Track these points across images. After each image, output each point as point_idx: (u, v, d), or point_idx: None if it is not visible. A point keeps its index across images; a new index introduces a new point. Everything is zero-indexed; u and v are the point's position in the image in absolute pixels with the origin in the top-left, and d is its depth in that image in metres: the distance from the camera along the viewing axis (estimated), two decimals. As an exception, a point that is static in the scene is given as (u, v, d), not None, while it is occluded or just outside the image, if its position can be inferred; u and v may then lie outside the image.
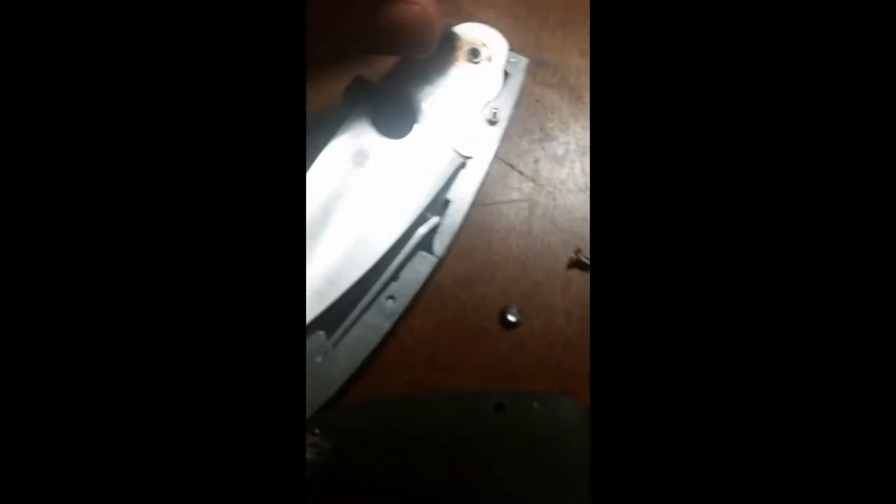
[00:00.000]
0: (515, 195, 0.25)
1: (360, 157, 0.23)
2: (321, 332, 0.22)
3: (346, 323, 0.22)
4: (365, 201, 0.23)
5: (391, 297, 0.22)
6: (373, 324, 0.22)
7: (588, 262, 0.24)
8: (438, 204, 0.24)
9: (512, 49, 0.25)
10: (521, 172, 0.26)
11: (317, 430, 0.21)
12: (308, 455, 0.21)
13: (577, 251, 0.25)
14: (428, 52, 0.22)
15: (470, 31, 0.25)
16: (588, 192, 0.25)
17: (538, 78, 0.27)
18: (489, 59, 0.25)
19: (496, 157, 0.25)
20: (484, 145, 0.24)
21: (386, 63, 0.24)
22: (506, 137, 0.25)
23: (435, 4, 0.21)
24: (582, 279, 0.24)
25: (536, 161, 0.26)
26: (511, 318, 0.24)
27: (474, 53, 0.24)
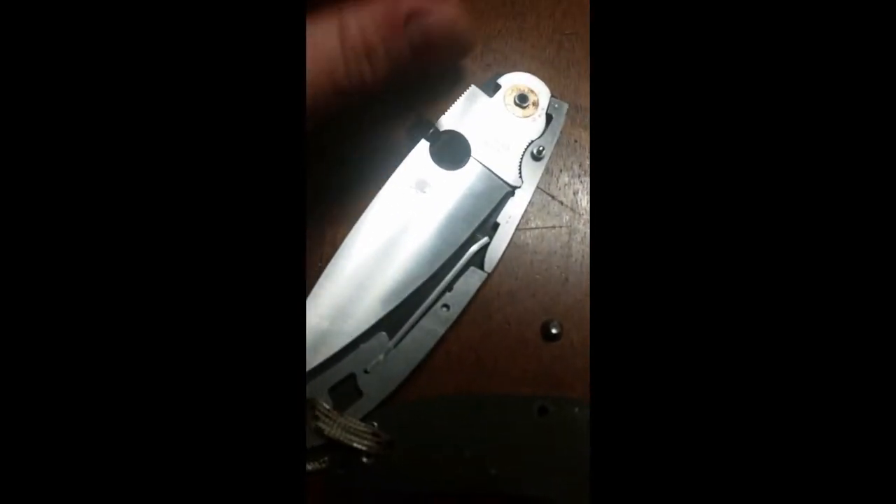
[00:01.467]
0: (556, 222, 0.28)
1: (421, 185, 0.26)
2: (383, 333, 0.25)
3: (406, 326, 0.25)
4: (426, 222, 0.26)
5: (445, 305, 0.25)
6: (429, 329, 0.25)
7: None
8: (488, 226, 0.27)
9: (554, 95, 0.29)
10: (561, 202, 0.29)
11: (375, 423, 0.24)
12: (369, 445, 0.23)
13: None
14: (470, 51, 0.24)
15: (518, 79, 0.29)
16: (622, 221, 0.28)
17: (577, 121, 0.30)
18: (535, 104, 0.28)
19: (539, 188, 0.28)
20: (529, 178, 0.27)
21: (444, 105, 0.28)
22: (548, 172, 0.29)
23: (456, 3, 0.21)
24: (616, 299, 0.27)
25: (575, 193, 0.29)
26: (554, 330, 0.26)
27: (522, 98, 0.28)
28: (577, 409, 0.24)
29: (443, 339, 0.25)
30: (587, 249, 0.28)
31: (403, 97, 0.29)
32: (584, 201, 0.29)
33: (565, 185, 0.29)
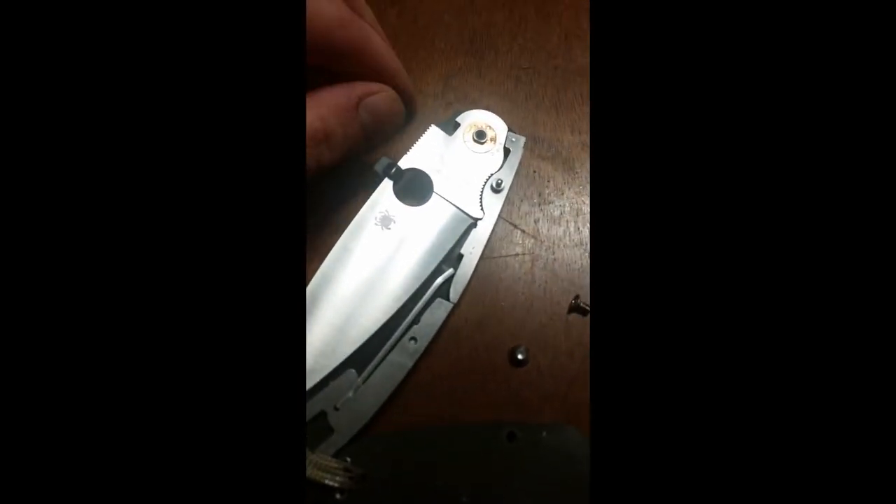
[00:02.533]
0: (519, 250, 0.29)
1: (386, 221, 0.27)
2: (352, 370, 0.25)
3: (375, 361, 0.25)
4: (392, 258, 0.27)
5: (413, 338, 0.26)
6: (398, 362, 0.26)
7: (587, 307, 0.28)
8: (453, 258, 0.28)
9: (511, 129, 0.30)
10: (523, 231, 0.30)
11: (348, 458, 0.24)
12: (341, 481, 0.23)
13: (576, 298, 0.28)
14: (412, 117, 0.27)
15: (476, 117, 0.30)
16: (582, 247, 0.29)
17: (535, 152, 0.31)
18: (493, 140, 0.30)
19: (501, 217, 0.29)
20: (490, 209, 0.29)
21: (407, 144, 0.29)
22: (508, 202, 0.30)
23: (393, 67, 0.24)
24: (581, 322, 0.28)
25: (536, 221, 0.30)
26: (520, 356, 0.27)
27: (480, 135, 0.29)
28: (544, 434, 0.25)
29: (412, 371, 0.26)
30: (550, 275, 0.29)
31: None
32: (545, 228, 0.30)
33: (526, 213, 0.30)
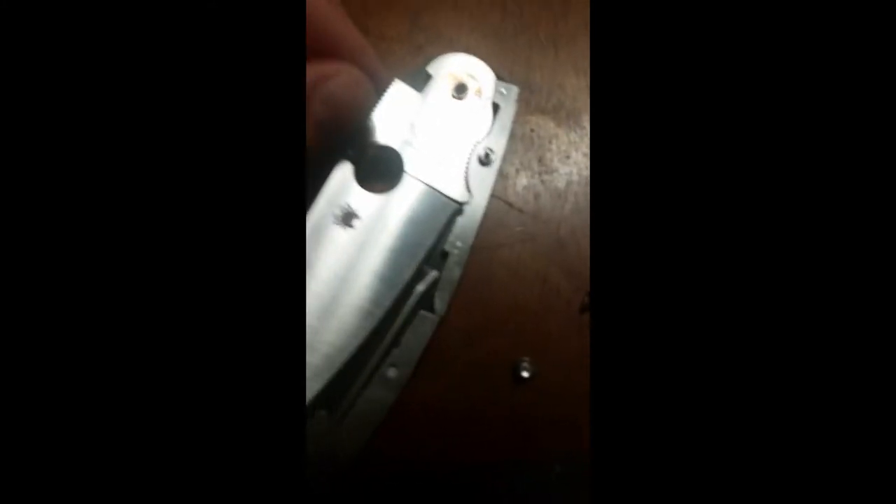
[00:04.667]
0: (517, 238, 0.23)
1: (347, 218, 0.21)
2: (323, 412, 0.20)
3: (349, 398, 0.21)
4: (355, 265, 0.21)
5: (393, 365, 0.21)
6: (376, 398, 0.21)
7: None
8: (435, 257, 0.22)
9: (500, 78, 0.23)
10: (521, 211, 0.24)
11: (327, 514, 0.20)
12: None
13: (587, 294, 0.23)
14: (371, 108, 0.21)
15: (453, 64, 0.23)
16: (596, 225, 0.24)
17: (532, 104, 0.25)
18: (477, 94, 0.23)
19: (493, 196, 0.23)
20: (478, 188, 0.22)
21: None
22: (502, 175, 0.24)
23: (360, 49, 0.19)
24: (597, 321, 0.23)
25: (537, 197, 0.24)
26: (524, 372, 0.22)
27: (460, 89, 0.23)
28: (557, 468, 0.20)
29: (399, 398, 0.21)
30: (557, 268, 0.23)
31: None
32: (549, 206, 0.24)
33: (524, 188, 0.24)
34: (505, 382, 0.22)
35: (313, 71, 0.18)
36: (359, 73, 0.19)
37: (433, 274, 0.22)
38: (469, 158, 0.22)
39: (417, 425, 0.22)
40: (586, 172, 0.24)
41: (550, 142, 0.24)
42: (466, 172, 0.22)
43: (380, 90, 0.21)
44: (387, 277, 0.21)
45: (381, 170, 0.22)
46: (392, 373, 0.21)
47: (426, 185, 0.22)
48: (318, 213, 0.21)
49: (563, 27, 0.26)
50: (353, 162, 0.21)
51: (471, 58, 0.23)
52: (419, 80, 0.23)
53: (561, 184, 0.24)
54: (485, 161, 0.22)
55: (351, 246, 0.21)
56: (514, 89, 0.23)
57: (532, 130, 0.24)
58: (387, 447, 0.21)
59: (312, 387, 0.20)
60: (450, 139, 0.22)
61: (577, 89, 0.25)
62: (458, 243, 0.22)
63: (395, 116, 0.22)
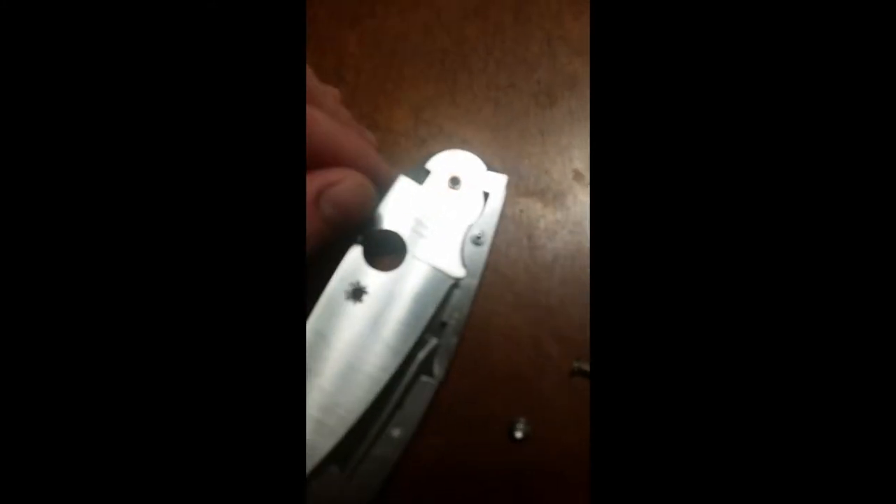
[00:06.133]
0: (510, 308, 0.26)
1: (357, 293, 0.25)
2: (334, 468, 0.23)
3: (358, 455, 0.23)
4: (365, 335, 0.24)
5: (397, 425, 0.24)
6: (382, 455, 0.23)
7: (587, 370, 0.25)
8: (435, 326, 0.25)
9: (492, 167, 0.27)
10: (511, 283, 0.26)
11: (340, 563, 0.22)
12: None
13: (578, 360, 0.25)
14: (375, 204, 0.24)
15: (448, 160, 0.27)
16: (583, 297, 0.26)
17: (521, 188, 0.28)
18: (470, 186, 0.26)
19: (486, 270, 0.26)
20: (473, 265, 0.26)
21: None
22: (494, 251, 0.27)
23: (364, 152, 0.22)
24: (586, 387, 0.25)
25: (527, 270, 0.27)
26: (518, 434, 0.24)
27: (454, 182, 0.26)
28: (550, 525, 0.22)
29: (406, 451, 0.24)
30: (548, 333, 0.26)
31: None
32: (537, 279, 0.27)
33: (514, 261, 0.27)
34: (501, 441, 0.24)
35: (321, 179, 0.21)
36: (361, 178, 0.22)
37: (433, 342, 0.25)
38: (464, 240, 0.26)
39: (420, 480, 0.24)
40: (571, 247, 0.27)
41: (538, 221, 0.27)
42: (462, 252, 0.25)
43: (384, 185, 0.25)
44: (393, 346, 0.24)
45: (388, 251, 0.26)
46: (396, 432, 0.24)
47: (427, 263, 0.25)
48: (332, 290, 0.25)
49: (549, 117, 0.29)
50: (364, 245, 0.25)
51: (464, 153, 0.27)
52: (421, 175, 0.26)
53: (549, 258, 0.27)
54: (477, 242, 0.26)
55: (361, 318, 0.24)
56: (503, 178, 0.27)
57: (521, 211, 0.27)
58: (392, 500, 0.23)
59: (326, 444, 0.23)
60: (447, 224, 0.26)
61: (562, 174, 0.28)
62: (456, 314, 0.25)
63: (400, 206, 0.26)
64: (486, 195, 0.26)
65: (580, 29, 0.30)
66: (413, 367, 0.24)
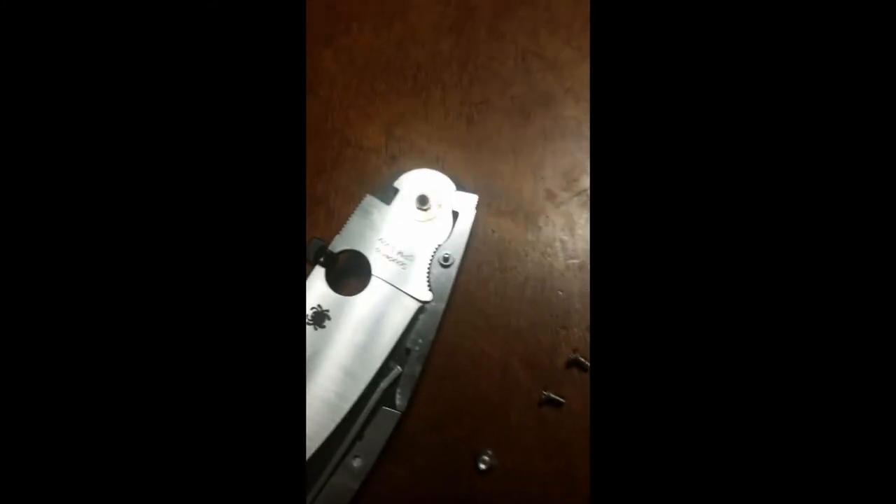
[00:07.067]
0: (479, 333, 0.25)
1: (318, 318, 0.24)
2: (292, 499, 0.22)
3: (317, 485, 0.23)
4: (326, 362, 0.23)
5: (357, 455, 0.23)
6: (342, 486, 0.23)
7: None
8: (399, 353, 0.24)
9: (462, 186, 0.26)
10: (482, 306, 0.26)
11: None
12: None
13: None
14: None
15: (416, 180, 0.26)
16: (555, 321, 0.25)
17: (493, 207, 0.27)
18: (439, 205, 0.26)
19: (454, 293, 0.25)
20: (440, 287, 0.25)
21: (341, 219, 0.25)
22: (464, 273, 0.26)
23: None
24: (556, 416, 0.24)
25: (496, 292, 0.26)
26: (482, 465, 0.23)
27: (423, 201, 0.25)
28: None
29: (369, 480, 0.23)
30: (518, 360, 0.25)
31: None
32: (507, 301, 0.26)
33: (484, 282, 0.26)
34: (467, 470, 0.23)
35: None
36: None
37: (396, 370, 0.24)
38: (431, 261, 0.25)
39: (387, 502, 0.23)
40: (543, 269, 0.26)
41: (509, 242, 0.27)
42: (429, 274, 0.25)
43: None
44: (354, 373, 0.23)
45: (351, 273, 0.25)
46: (357, 462, 0.23)
47: (392, 286, 0.24)
48: (295, 315, 0.24)
49: (521, 135, 0.28)
50: (326, 266, 0.24)
51: (434, 173, 0.26)
52: (389, 194, 0.26)
53: (520, 279, 0.26)
54: (445, 264, 0.25)
55: (322, 345, 0.24)
56: (474, 198, 0.26)
57: (493, 231, 0.27)
58: (351, 535, 0.23)
59: (284, 476, 0.22)
60: (414, 245, 0.25)
61: (534, 193, 0.27)
62: (420, 340, 0.24)
63: (366, 226, 0.25)
64: (455, 215, 0.26)
65: (555, 45, 0.30)
66: (374, 397, 0.23)
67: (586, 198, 0.27)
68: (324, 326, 0.24)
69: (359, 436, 0.23)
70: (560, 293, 0.26)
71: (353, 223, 0.25)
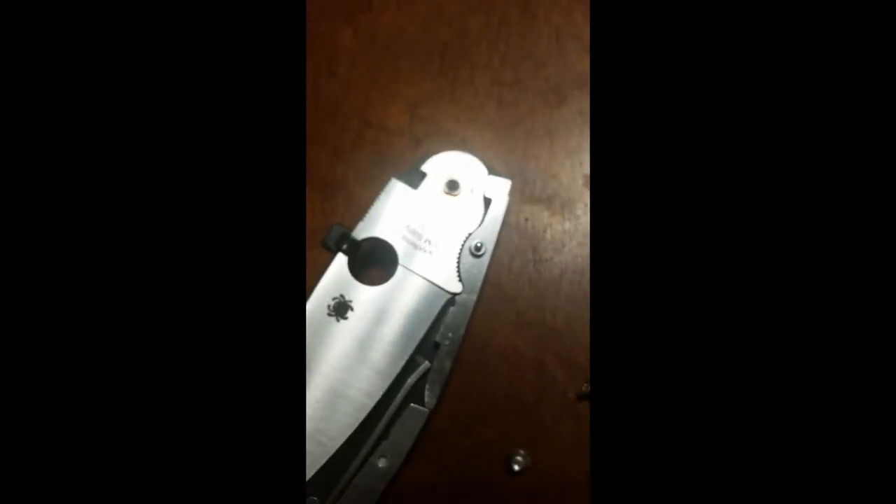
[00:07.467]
0: (511, 328, 0.24)
1: (341, 309, 0.22)
2: (314, 499, 0.21)
3: (339, 487, 0.21)
4: (350, 355, 0.22)
5: (383, 455, 0.21)
6: (366, 487, 0.21)
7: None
8: (427, 348, 0.23)
9: (494, 171, 0.24)
10: (514, 300, 0.24)
11: None
12: None
13: (587, 383, 0.23)
14: None
15: (446, 162, 0.24)
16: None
17: (526, 194, 0.25)
18: (470, 190, 0.24)
19: (486, 285, 0.24)
20: (470, 279, 0.23)
21: (364, 205, 0.24)
22: (495, 264, 0.24)
23: None
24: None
25: (530, 285, 0.24)
26: (516, 466, 0.22)
27: (452, 186, 0.24)
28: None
29: (393, 481, 0.22)
30: (553, 356, 0.23)
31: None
32: (543, 295, 0.24)
33: (517, 275, 0.25)
34: (498, 472, 0.22)
35: None
36: None
37: (424, 365, 0.22)
38: (461, 250, 0.23)
39: (408, 515, 0.22)
40: (580, 261, 0.24)
41: (544, 231, 0.25)
42: (459, 264, 0.23)
43: None
44: (379, 368, 0.22)
45: (376, 262, 0.23)
46: (382, 463, 0.21)
47: (420, 277, 0.23)
48: (314, 305, 0.22)
49: (558, 117, 0.27)
50: (349, 255, 0.23)
51: (464, 155, 0.24)
52: (415, 178, 0.24)
53: (555, 272, 0.24)
54: (476, 253, 0.23)
55: (345, 337, 0.22)
56: (507, 183, 0.24)
57: (526, 220, 0.25)
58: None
59: (306, 473, 0.21)
60: (443, 233, 0.23)
61: (572, 179, 0.26)
62: (450, 334, 0.23)
63: (392, 212, 0.23)
64: (487, 201, 0.24)
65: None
66: (401, 394, 0.22)
67: (626, 185, 0.25)
68: (346, 318, 0.22)
69: (384, 435, 0.21)
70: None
71: (377, 209, 0.23)
